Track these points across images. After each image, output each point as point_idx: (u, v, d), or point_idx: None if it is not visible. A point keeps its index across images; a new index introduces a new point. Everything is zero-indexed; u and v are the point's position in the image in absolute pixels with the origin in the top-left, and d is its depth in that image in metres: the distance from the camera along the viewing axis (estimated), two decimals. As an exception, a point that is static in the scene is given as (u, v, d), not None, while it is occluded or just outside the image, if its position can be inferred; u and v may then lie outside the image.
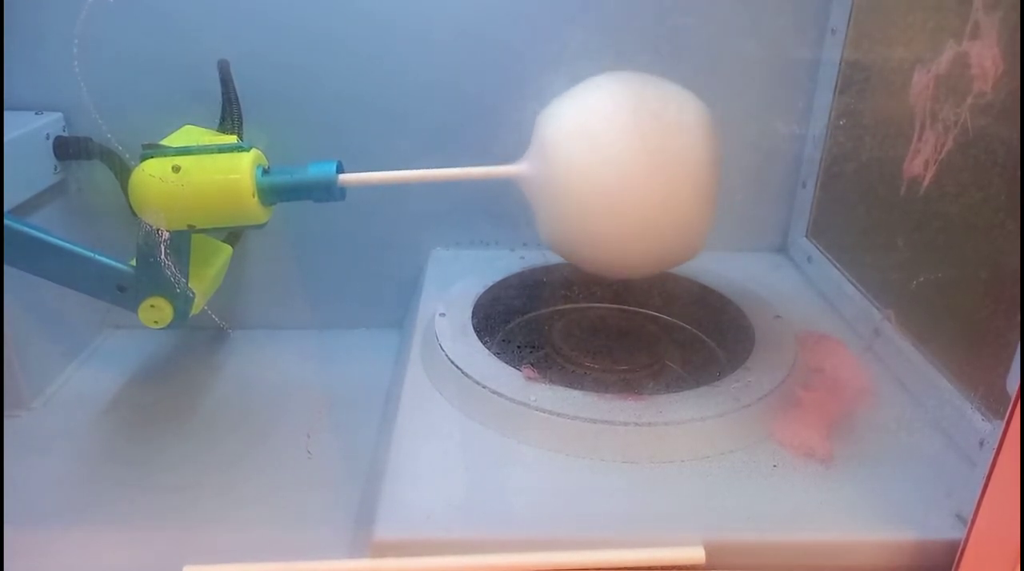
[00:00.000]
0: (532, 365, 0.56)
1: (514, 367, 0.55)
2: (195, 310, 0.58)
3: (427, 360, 0.59)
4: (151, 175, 0.49)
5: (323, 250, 0.75)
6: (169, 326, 0.56)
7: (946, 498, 0.46)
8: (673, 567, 0.43)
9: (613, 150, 0.48)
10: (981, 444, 0.46)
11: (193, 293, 0.56)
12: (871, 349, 0.61)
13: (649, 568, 0.43)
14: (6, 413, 0.64)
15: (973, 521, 0.41)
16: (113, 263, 0.56)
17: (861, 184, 0.67)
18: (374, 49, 0.68)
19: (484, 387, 0.53)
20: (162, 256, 0.53)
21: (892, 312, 0.60)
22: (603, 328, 0.66)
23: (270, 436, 0.63)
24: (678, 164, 0.49)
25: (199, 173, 0.50)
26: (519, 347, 0.64)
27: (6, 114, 0.65)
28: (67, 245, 0.56)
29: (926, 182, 0.53)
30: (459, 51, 0.68)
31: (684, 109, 0.50)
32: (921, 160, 0.53)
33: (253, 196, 0.51)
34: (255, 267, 0.75)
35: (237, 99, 0.62)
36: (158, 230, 0.51)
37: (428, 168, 0.53)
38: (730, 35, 0.68)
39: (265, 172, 0.52)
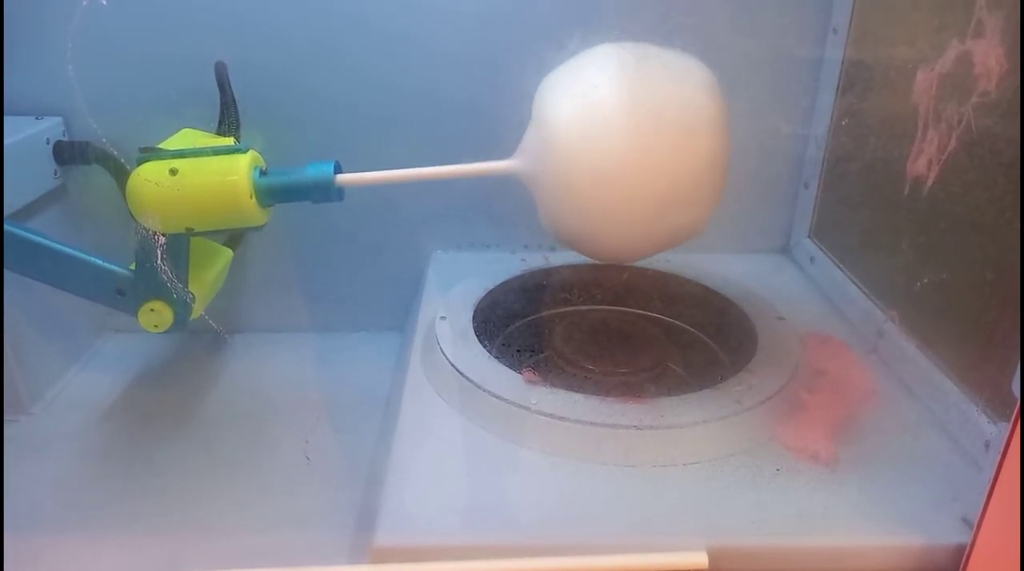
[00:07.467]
0: (533, 368, 0.56)
1: (515, 370, 0.55)
2: (195, 314, 0.58)
3: (428, 363, 0.58)
4: (146, 179, 0.49)
5: (324, 253, 0.75)
6: (169, 330, 0.56)
7: (952, 502, 0.45)
8: (676, 572, 0.43)
9: (616, 126, 0.46)
10: (987, 447, 0.46)
11: (193, 297, 0.56)
12: (875, 351, 0.61)
13: (651, 573, 0.43)
14: (6, 418, 0.64)
15: (979, 525, 0.41)
16: (112, 267, 0.56)
17: (864, 184, 0.67)
18: (371, 49, 0.67)
19: (485, 390, 0.53)
20: (159, 260, 0.52)
21: (896, 313, 0.59)
22: (604, 331, 0.66)
23: (270, 441, 0.62)
24: (684, 135, 0.47)
25: (196, 175, 0.50)
26: (520, 350, 0.64)
27: (6, 119, 0.65)
28: (66, 249, 0.55)
29: (930, 182, 0.53)
30: (457, 50, 0.68)
31: (687, 75, 0.49)
32: (925, 160, 0.53)
33: (251, 197, 0.50)
34: (255, 270, 0.75)
35: (235, 101, 0.62)
36: (155, 233, 0.51)
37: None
38: (731, 34, 0.68)
39: (263, 173, 0.52)
